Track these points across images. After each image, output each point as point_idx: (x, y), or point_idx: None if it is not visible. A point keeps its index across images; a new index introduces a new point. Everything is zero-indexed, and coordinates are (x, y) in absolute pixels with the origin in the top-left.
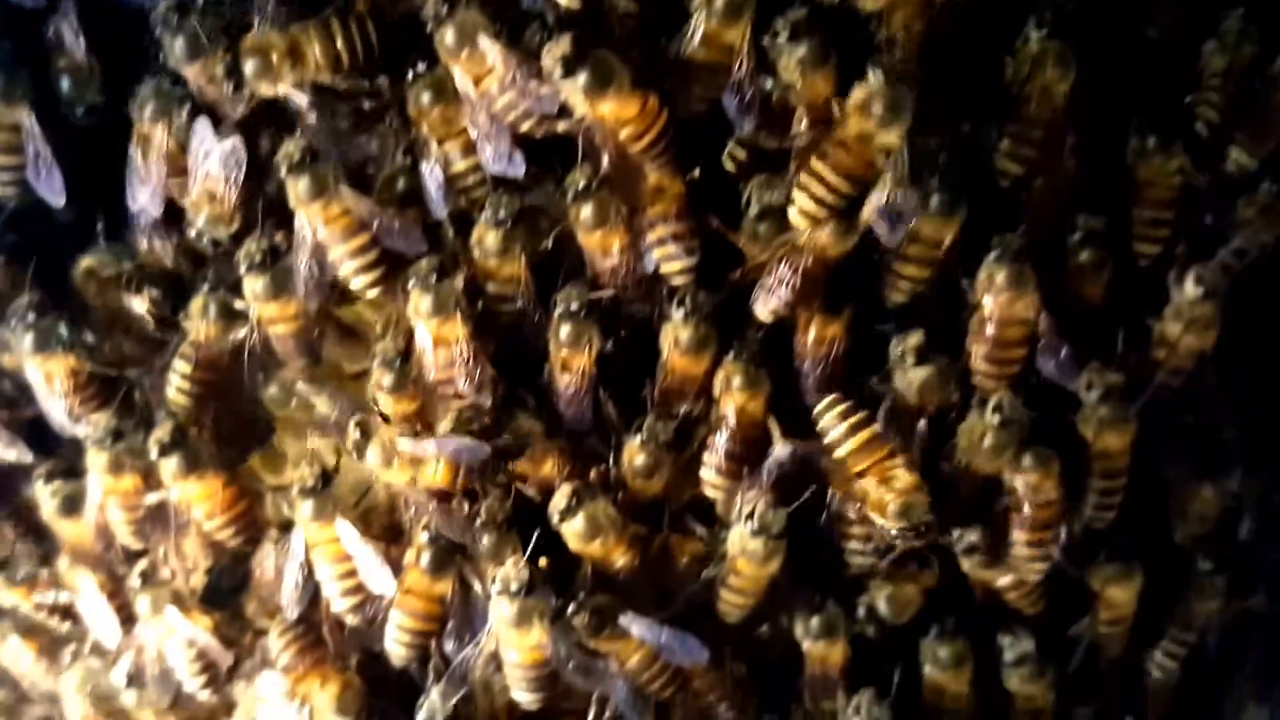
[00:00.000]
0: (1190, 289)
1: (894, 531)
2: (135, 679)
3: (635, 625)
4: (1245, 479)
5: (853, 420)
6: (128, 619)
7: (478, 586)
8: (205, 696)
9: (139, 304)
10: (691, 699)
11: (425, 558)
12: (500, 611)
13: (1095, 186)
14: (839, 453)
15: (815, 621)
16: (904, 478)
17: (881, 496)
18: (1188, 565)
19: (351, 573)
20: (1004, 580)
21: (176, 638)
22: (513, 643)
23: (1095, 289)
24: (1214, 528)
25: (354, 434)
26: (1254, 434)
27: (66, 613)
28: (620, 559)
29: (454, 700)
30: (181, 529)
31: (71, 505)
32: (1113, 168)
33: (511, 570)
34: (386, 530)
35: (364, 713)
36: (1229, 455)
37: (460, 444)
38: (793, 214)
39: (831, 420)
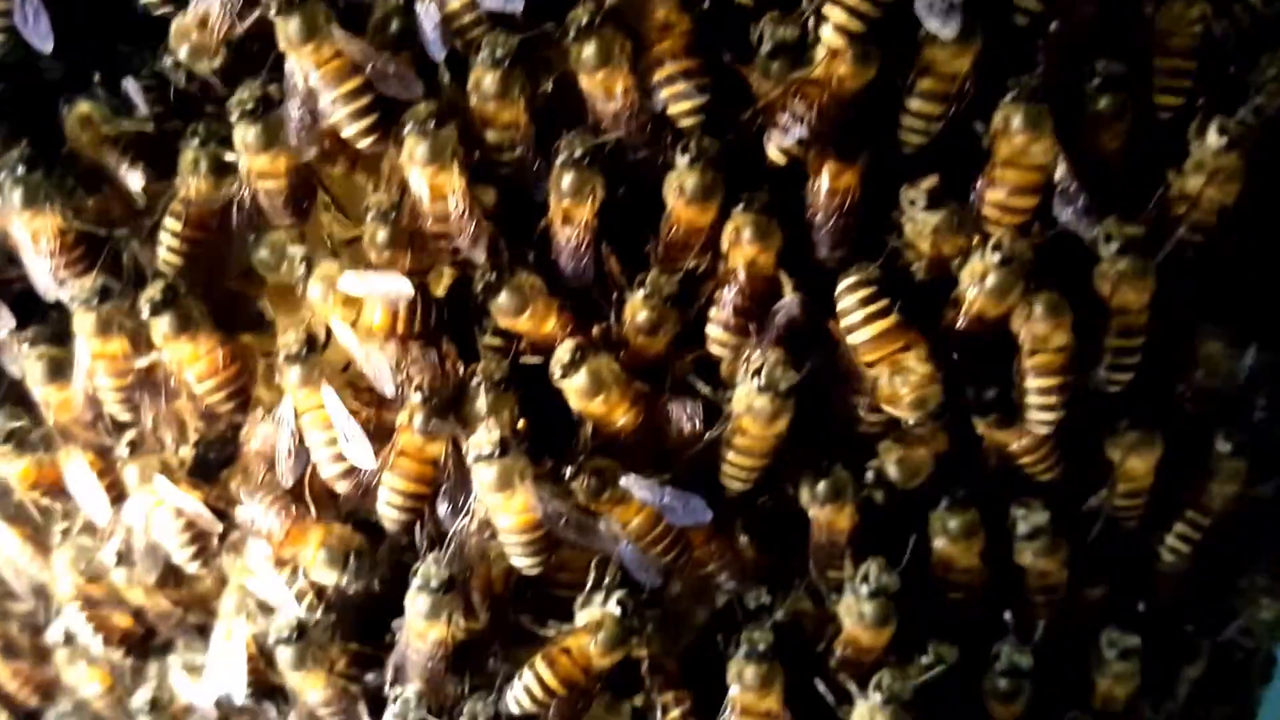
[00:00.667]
0: (1213, 139)
1: (910, 422)
2: (125, 557)
3: (636, 486)
4: (1258, 356)
5: (872, 309)
6: (118, 497)
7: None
8: (194, 568)
9: (135, 178)
10: (692, 569)
11: (418, 419)
12: (481, 477)
13: (1114, 38)
14: (852, 339)
15: (822, 485)
16: (919, 369)
17: (896, 389)
18: (1206, 446)
19: None
20: (1018, 443)
21: (164, 508)
22: (500, 507)
23: (1114, 140)
24: (1224, 395)
25: (299, 270)
26: (1268, 309)
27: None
28: (622, 417)
29: (450, 567)
30: (172, 396)
31: (57, 370)
32: (1132, 16)
33: (483, 433)
34: (376, 394)
35: (352, 556)
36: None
37: (385, 279)
38: (826, 34)
39: (851, 304)
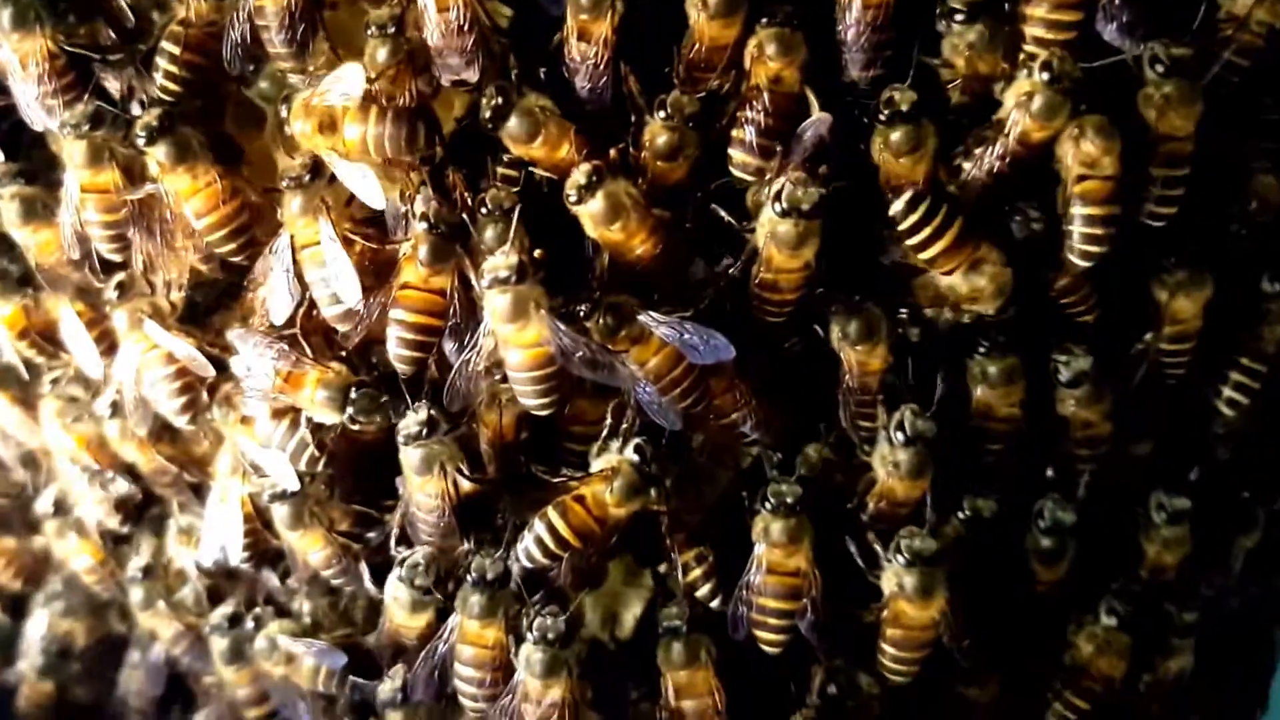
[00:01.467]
0: None
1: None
2: (118, 409)
3: (655, 322)
4: None
5: (937, 221)
6: (110, 348)
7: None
8: (183, 422)
9: None
10: (714, 416)
11: (422, 250)
12: (494, 305)
13: None
14: (924, 256)
15: (853, 324)
16: (992, 257)
17: (974, 284)
18: (1258, 289)
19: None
20: (1061, 282)
21: (155, 353)
22: (511, 340)
23: None
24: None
25: (281, 110)
26: None
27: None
28: (641, 246)
29: (452, 405)
30: (167, 234)
31: (32, 210)
32: None
33: (499, 258)
34: (381, 230)
35: (353, 390)
36: None
37: (337, 75)
38: None
39: (913, 222)
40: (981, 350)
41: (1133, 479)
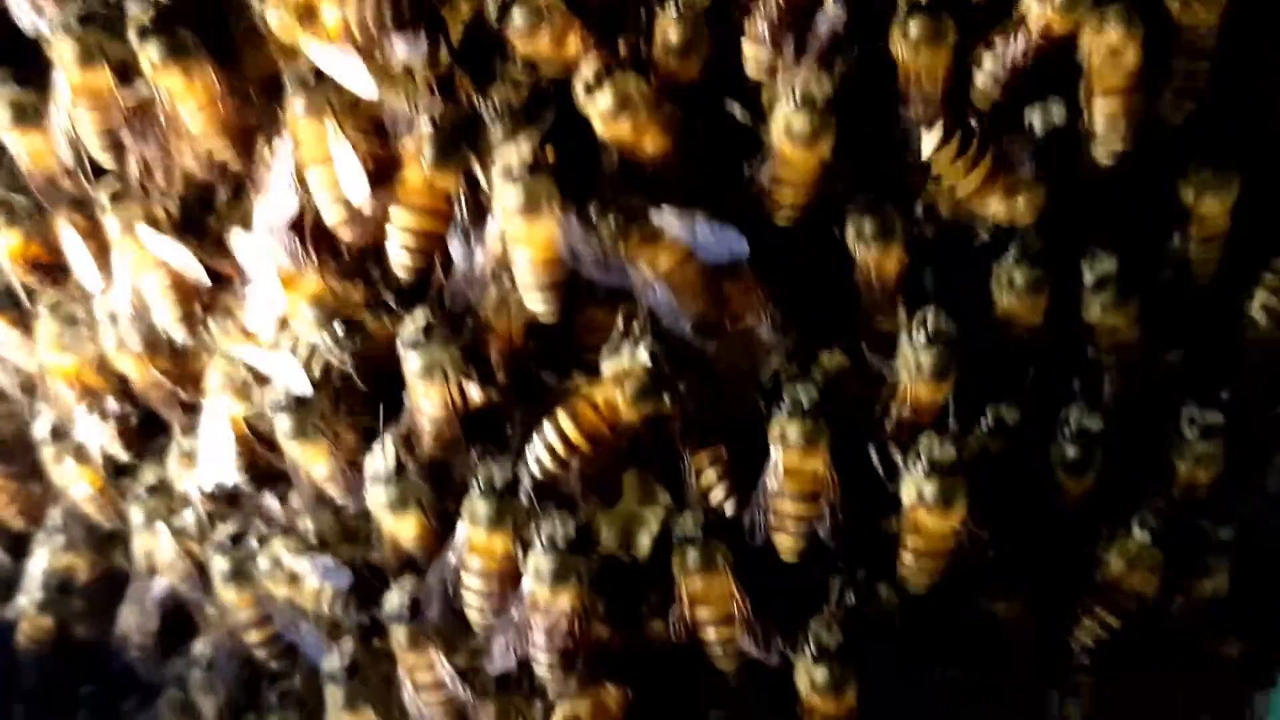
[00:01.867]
0: None
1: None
2: (115, 320)
3: (668, 219)
4: None
5: (968, 156)
6: (109, 260)
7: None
8: (181, 335)
9: None
10: (729, 320)
11: (427, 149)
12: (506, 200)
13: None
14: (961, 192)
15: (869, 223)
16: (1027, 175)
17: (1011, 207)
18: None
19: None
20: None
21: (149, 261)
22: (522, 238)
23: None
24: None
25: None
26: None
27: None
28: (652, 143)
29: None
30: (161, 137)
31: (22, 114)
32: None
33: (512, 151)
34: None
35: (339, 324)
36: None
37: None
38: None
39: (945, 161)
40: (1012, 257)
41: (1163, 391)
